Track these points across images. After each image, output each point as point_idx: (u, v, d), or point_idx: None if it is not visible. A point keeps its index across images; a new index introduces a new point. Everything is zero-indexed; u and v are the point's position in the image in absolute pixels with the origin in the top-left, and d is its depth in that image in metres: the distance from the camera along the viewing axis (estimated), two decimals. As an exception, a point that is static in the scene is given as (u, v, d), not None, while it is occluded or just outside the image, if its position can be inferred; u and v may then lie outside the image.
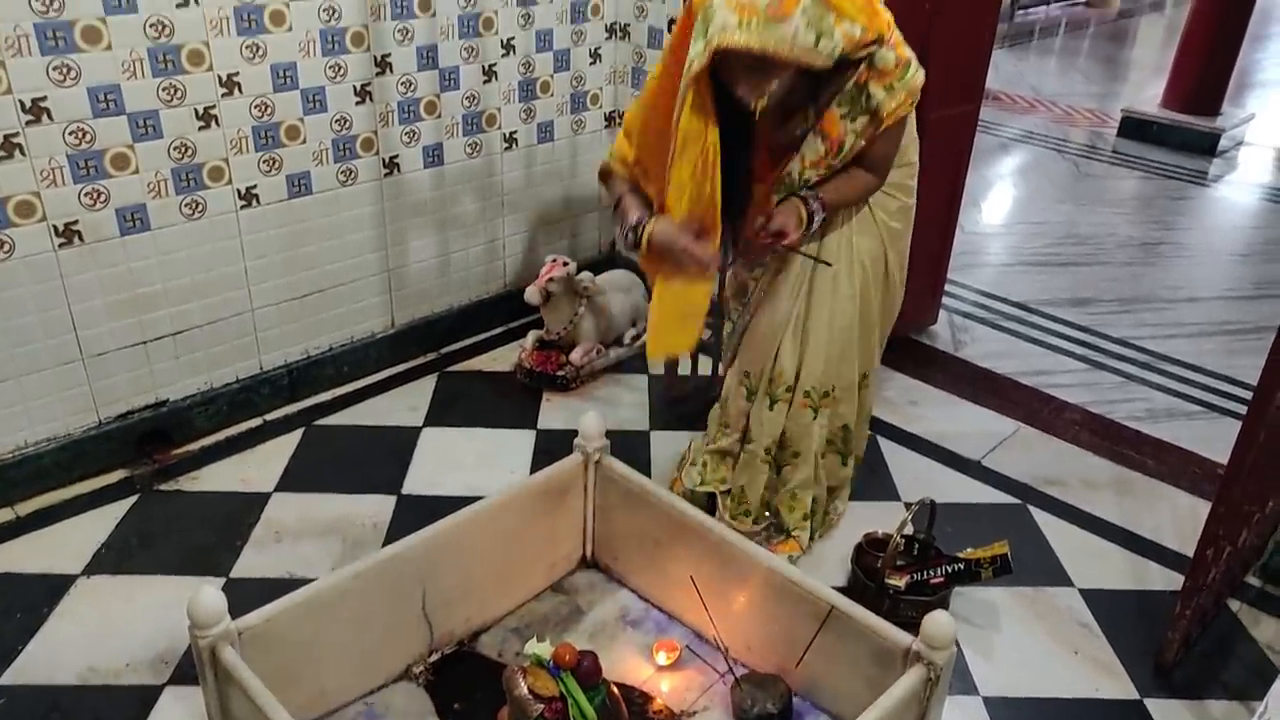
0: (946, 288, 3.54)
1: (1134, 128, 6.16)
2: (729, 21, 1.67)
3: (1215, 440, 2.78)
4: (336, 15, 2.52)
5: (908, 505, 2.44)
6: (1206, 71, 5.95)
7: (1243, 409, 2.77)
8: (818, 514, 2.36)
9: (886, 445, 2.78)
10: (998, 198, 5.17)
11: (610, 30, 3.22)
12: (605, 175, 2.13)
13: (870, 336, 2.20)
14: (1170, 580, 2.26)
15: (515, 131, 3.08)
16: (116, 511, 2.37)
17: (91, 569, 2.19)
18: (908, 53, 1.86)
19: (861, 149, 1.95)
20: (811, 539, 2.35)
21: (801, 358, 2.17)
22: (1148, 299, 3.91)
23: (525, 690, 1.61)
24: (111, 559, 2.22)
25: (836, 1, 1.73)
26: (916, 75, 1.87)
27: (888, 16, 1.83)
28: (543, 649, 1.67)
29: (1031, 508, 2.55)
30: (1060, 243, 4.47)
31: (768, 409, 2.23)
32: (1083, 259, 4.30)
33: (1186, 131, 5.95)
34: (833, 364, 2.17)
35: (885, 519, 2.37)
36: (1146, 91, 6.88)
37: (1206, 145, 5.89)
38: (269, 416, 2.76)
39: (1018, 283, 3.98)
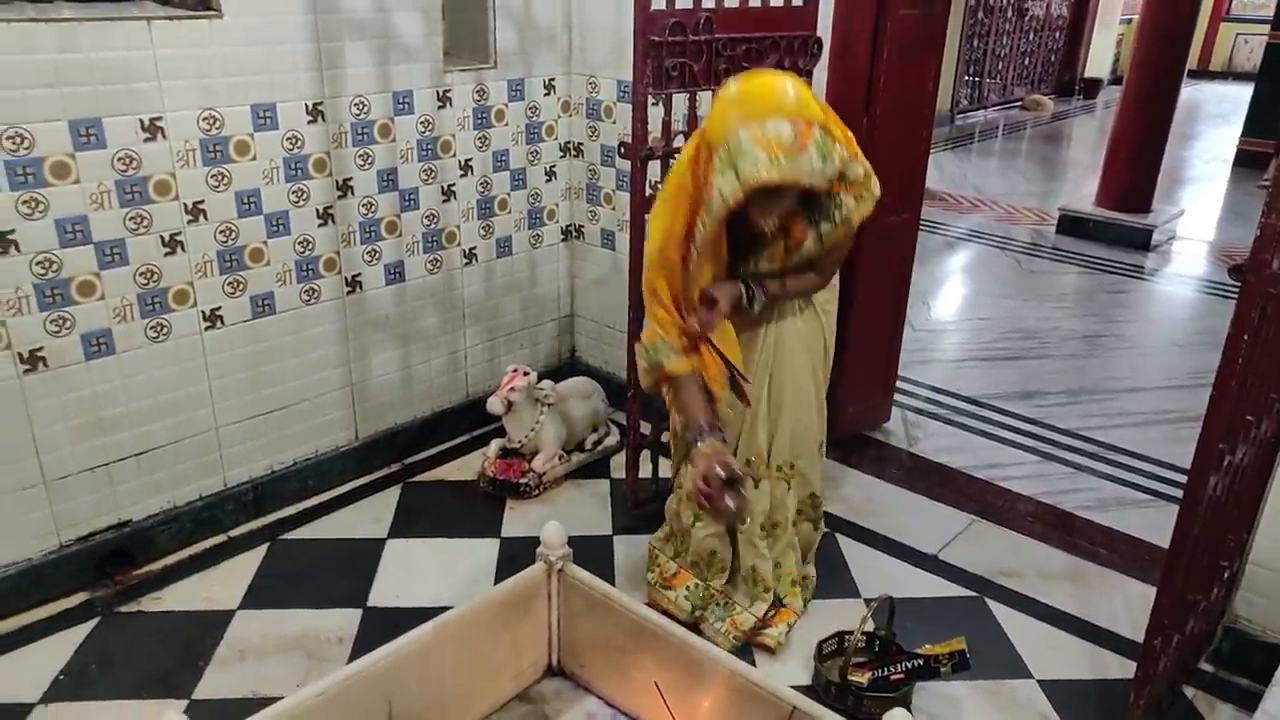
0: (899, 385, 3.65)
1: (1071, 225, 6.45)
2: (759, 158, 1.82)
3: (1163, 527, 2.80)
4: (299, 143, 2.64)
5: (868, 602, 2.48)
6: (1135, 171, 6.27)
7: (1186, 495, 2.87)
8: (801, 579, 2.50)
9: (845, 542, 2.83)
10: (946, 295, 5.36)
11: (564, 149, 3.37)
12: (664, 379, 2.15)
13: (821, 408, 2.39)
14: (1126, 668, 2.30)
15: (474, 247, 3.19)
16: (76, 636, 2.34)
17: (50, 697, 2.15)
18: (867, 164, 2.05)
19: (817, 253, 2.12)
20: (803, 604, 2.49)
21: (772, 435, 2.32)
22: (1093, 390, 4.05)
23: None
24: (71, 686, 2.19)
25: (833, 129, 1.93)
26: (877, 184, 2.06)
27: (850, 133, 2.02)
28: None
29: (989, 600, 2.60)
30: (1007, 337, 4.63)
31: (753, 488, 2.33)
32: (1029, 353, 4.45)
33: (1120, 228, 6.25)
34: (798, 438, 2.34)
35: (846, 616, 2.41)
36: (1083, 189, 7.21)
37: (1140, 241, 6.18)
38: (233, 533, 2.76)
39: (968, 378, 4.11)
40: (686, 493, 2.39)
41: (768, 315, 2.24)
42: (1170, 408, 3.88)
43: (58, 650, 2.29)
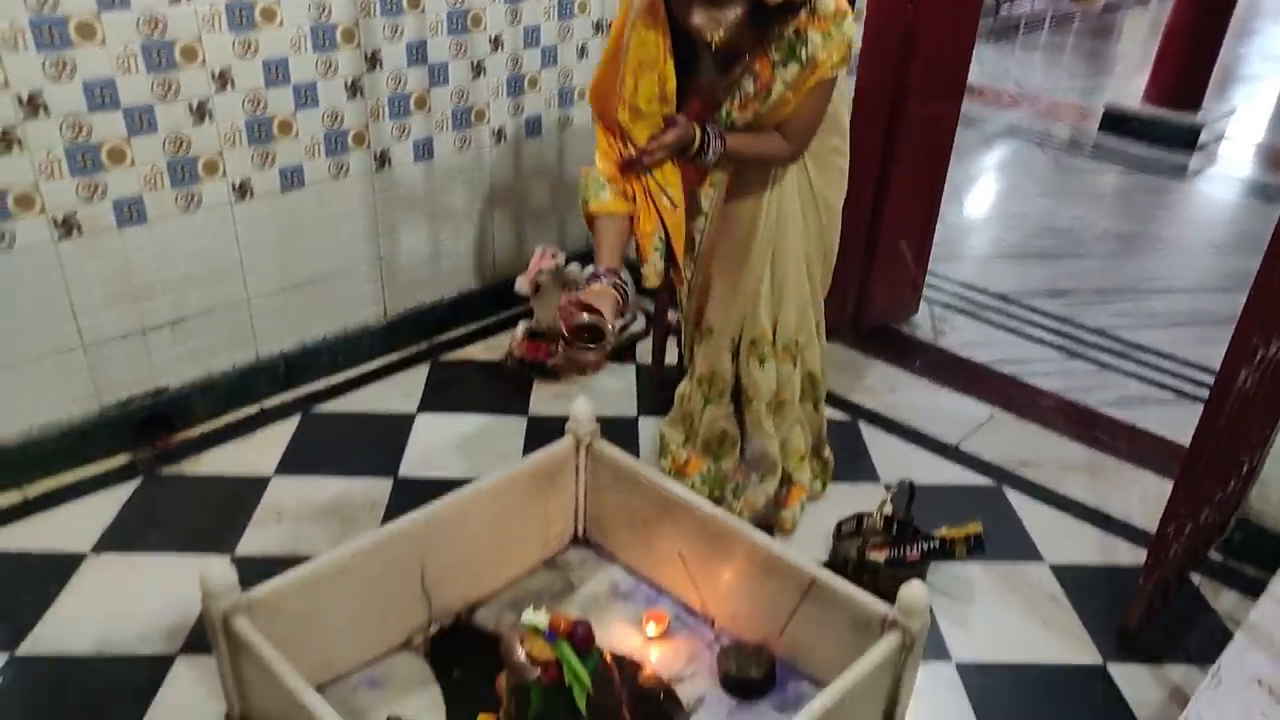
0: (928, 279, 3.62)
1: (1115, 122, 6.25)
2: None
3: (1186, 425, 2.79)
4: (327, 12, 2.58)
5: (887, 486, 2.52)
6: (1188, 66, 6.03)
7: (1211, 394, 2.87)
8: (813, 457, 2.54)
9: (867, 430, 2.86)
10: (980, 191, 5.26)
11: (597, 27, 3.29)
12: (590, 219, 2.09)
13: (817, 291, 2.35)
14: (1137, 555, 2.34)
15: (503, 126, 3.15)
16: (121, 494, 2.43)
17: (100, 547, 2.26)
18: (845, 5, 1.88)
19: (787, 108, 1.96)
20: (822, 486, 2.54)
21: (775, 316, 2.30)
22: (1124, 290, 4.00)
23: (522, 655, 1.68)
24: (119, 538, 2.29)
25: None
26: (852, 26, 1.89)
27: None
28: (539, 617, 1.73)
29: (1006, 489, 2.64)
30: (1039, 235, 4.56)
31: (759, 367, 2.33)
32: (1061, 251, 4.39)
33: (1167, 126, 6.05)
34: (801, 318, 2.32)
35: (866, 500, 2.45)
36: (1130, 85, 6.97)
37: (1186, 139, 5.98)
38: (266, 404, 2.82)
39: (997, 274, 4.07)
40: (698, 375, 2.43)
41: (768, 182, 2.13)
42: (1202, 309, 3.84)
43: (104, 506, 2.39)
